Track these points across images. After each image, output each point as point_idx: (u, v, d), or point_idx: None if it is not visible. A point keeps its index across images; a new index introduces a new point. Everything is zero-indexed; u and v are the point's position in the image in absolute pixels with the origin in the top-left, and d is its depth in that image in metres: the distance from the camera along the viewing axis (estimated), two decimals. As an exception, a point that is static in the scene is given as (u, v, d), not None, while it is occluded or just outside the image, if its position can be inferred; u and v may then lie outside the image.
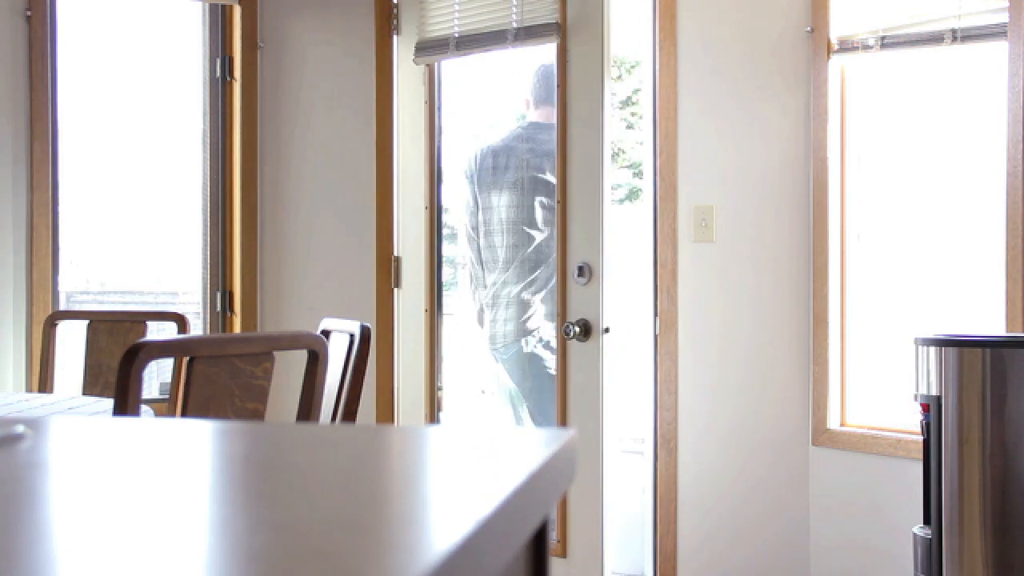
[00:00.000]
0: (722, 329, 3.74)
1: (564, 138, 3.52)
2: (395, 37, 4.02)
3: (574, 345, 3.48)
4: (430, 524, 0.73)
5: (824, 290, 3.61)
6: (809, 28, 3.62)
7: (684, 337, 3.75)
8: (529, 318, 3.97)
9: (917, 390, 2.92)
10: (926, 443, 2.90)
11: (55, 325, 3.55)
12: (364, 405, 2.74)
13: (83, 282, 4.30)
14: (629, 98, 8.83)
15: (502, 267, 4.00)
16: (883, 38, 3.50)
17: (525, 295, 3.96)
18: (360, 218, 4.05)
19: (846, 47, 3.58)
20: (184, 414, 2.08)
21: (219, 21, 4.11)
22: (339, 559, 0.63)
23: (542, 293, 3.95)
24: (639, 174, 8.11)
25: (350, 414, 2.58)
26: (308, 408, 2.28)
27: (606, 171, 3.43)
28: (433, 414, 3.99)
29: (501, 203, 3.99)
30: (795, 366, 3.67)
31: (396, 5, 4.02)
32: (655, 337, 3.79)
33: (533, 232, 3.92)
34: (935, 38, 3.39)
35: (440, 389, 4.04)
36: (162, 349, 2.17)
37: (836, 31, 3.59)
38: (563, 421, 3.52)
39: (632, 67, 8.49)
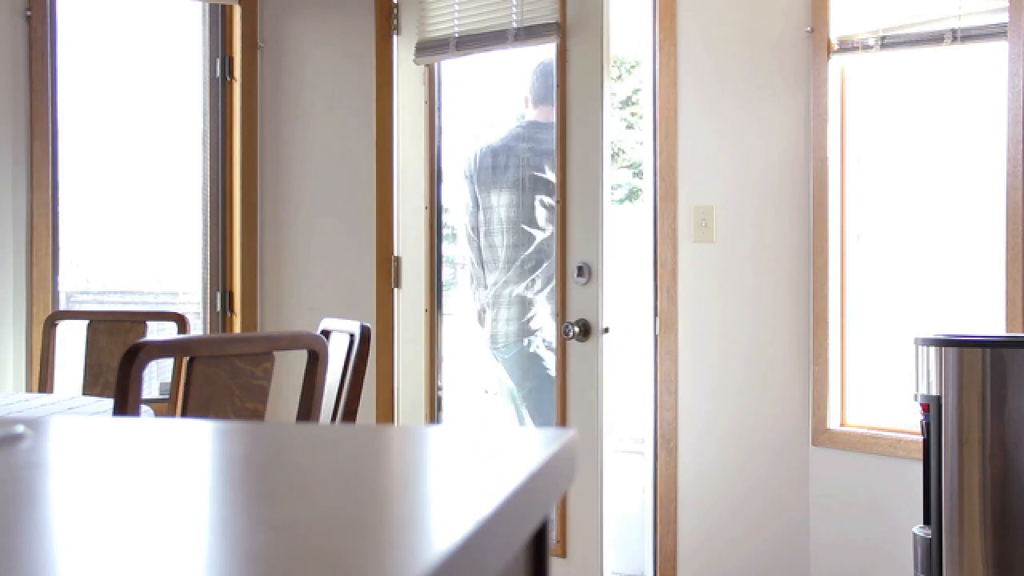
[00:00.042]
0: (722, 329, 3.74)
1: (564, 138, 3.52)
2: (395, 37, 4.02)
3: (573, 345, 3.48)
4: (430, 524, 0.73)
5: (824, 290, 3.61)
6: (809, 28, 3.62)
7: (684, 337, 3.76)
8: (530, 318, 3.97)
9: (917, 390, 2.92)
10: (926, 443, 2.90)
11: (55, 325, 3.55)
12: (364, 405, 2.74)
13: (83, 282, 4.30)
14: (629, 98, 8.83)
15: (503, 267, 4.00)
16: (883, 38, 3.50)
17: (526, 295, 3.96)
18: (360, 218, 4.05)
19: (846, 47, 3.58)
20: (184, 414, 2.08)
21: (219, 21, 4.11)
22: (339, 559, 0.63)
23: (543, 293, 3.95)
24: (639, 174, 8.11)
25: (350, 414, 2.58)
26: (308, 408, 2.28)
27: (606, 171, 3.43)
28: (433, 414, 3.99)
29: (501, 203, 3.99)
30: (795, 366, 3.67)
31: (396, 5, 4.02)
32: (655, 337, 3.79)
33: (534, 231, 3.92)
34: (935, 38, 3.39)
35: (440, 389, 4.04)
36: (162, 349, 2.17)
37: (836, 31, 3.59)
38: (562, 421, 3.52)
39: (632, 67, 8.49)
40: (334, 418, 2.57)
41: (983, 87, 3.42)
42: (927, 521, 2.91)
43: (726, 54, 3.73)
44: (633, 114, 8.75)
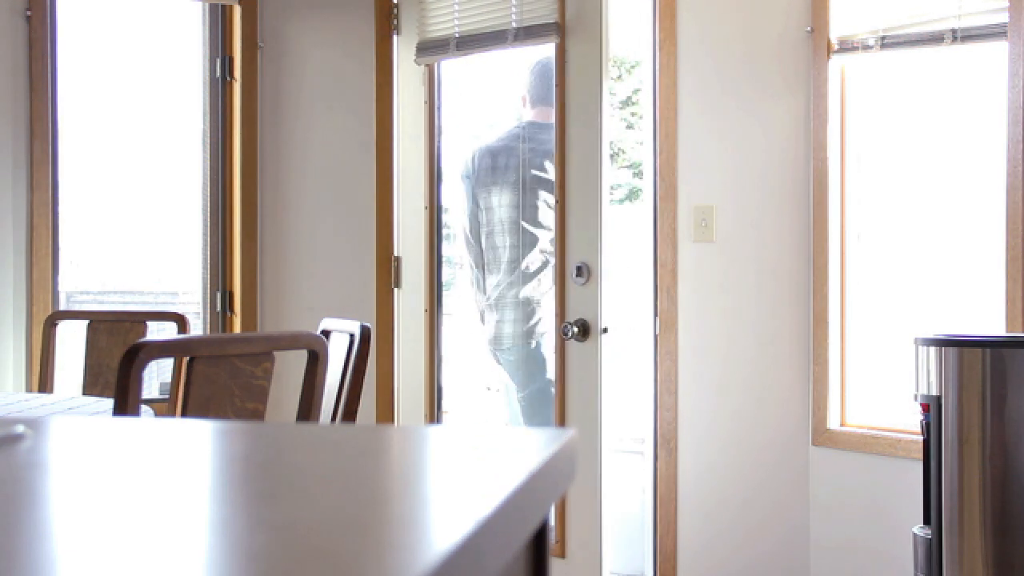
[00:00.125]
0: (722, 329, 3.74)
1: (563, 138, 3.52)
2: (395, 37, 4.02)
3: (572, 345, 3.48)
4: (430, 524, 0.73)
5: (824, 290, 3.61)
6: (809, 28, 3.62)
7: (684, 337, 3.76)
8: (532, 318, 3.97)
9: (917, 390, 2.92)
10: (926, 443, 2.90)
11: (55, 325, 3.55)
12: (364, 405, 2.74)
13: (83, 282, 4.30)
14: (629, 98, 8.83)
15: (504, 267, 4.00)
16: (883, 38, 3.50)
17: (527, 295, 3.96)
18: (360, 218, 4.05)
19: (846, 47, 3.58)
20: (184, 414, 2.08)
21: (219, 21, 4.11)
22: (339, 559, 0.63)
23: (546, 293, 3.95)
24: (639, 174, 8.11)
25: (350, 414, 2.58)
26: (308, 408, 2.28)
27: (605, 171, 3.44)
28: (433, 414, 3.99)
29: (502, 203, 3.99)
30: (795, 366, 3.67)
31: (396, 5, 4.02)
32: (655, 337, 3.79)
33: (536, 232, 3.91)
34: (935, 38, 3.39)
35: (440, 389, 4.04)
36: (162, 349, 2.17)
37: (836, 31, 3.59)
38: (561, 421, 3.52)
39: (632, 67, 8.49)
40: (334, 418, 2.57)
41: (983, 87, 3.42)
42: (927, 521, 2.92)
43: (726, 54, 3.73)
44: (633, 114, 8.75)
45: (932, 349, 2.86)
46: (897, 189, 3.63)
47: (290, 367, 2.53)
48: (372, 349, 3.16)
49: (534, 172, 3.91)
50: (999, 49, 3.28)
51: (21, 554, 0.64)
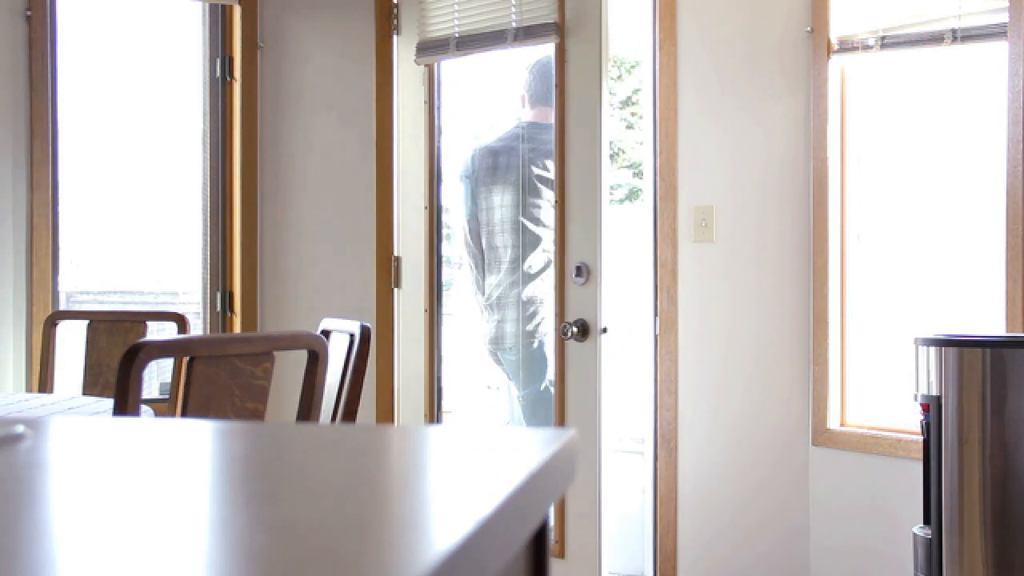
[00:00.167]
0: (722, 329, 3.74)
1: (562, 138, 3.52)
2: (395, 37, 4.02)
3: (572, 345, 3.48)
4: (430, 524, 0.73)
5: (824, 290, 3.61)
6: (809, 28, 3.62)
7: (684, 337, 3.76)
8: (534, 318, 3.97)
9: (917, 390, 2.92)
10: (926, 443, 2.90)
11: (55, 325, 3.55)
12: (364, 405, 2.74)
13: (83, 282, 4.30)
14: (629, 98, 8.83)
15: (505, 267, 4.00)
16: (883, 38, 3.50)
17: (530, 295, 3.96)
18: (360, 218, 4.05)
19: (846, 47, 3.58)
20: (184, 414, 2.08)
21: (219, 21, 4.11)
22: (339, 559, 0.63)
23: (547, 293, 3.94)
24: (639, 174, 8.11)
25: (350, 414, 2.58)
26: (308, 408, 2.28)
27: (604, 171, 3.44)
28: (433, 414, 3.99)
29: (501, 203, 3.99)
30: (795, 366, 3.67)
31: (396, 5, 4.02)
32: (655, 337, 3.79)
33: (537, 231, 3.91)
34: (935, 38, 3.39)
35: (440, 389, 4.04)
36: (162, 349, 2.17)
37: (836, 31, 3.59)
38: (561, 421, 3.52)
39: (632, 67, 8.49)
40: (334, 418, 2.57)
41: (983, 87, 3.42)
42: (927, 521, 2.92)
43: (726, 54, 3.73)
44: (633, 114, 8.75)
45: (932, 349, 2.86)
46: (897, 189, 3.63)
47: (290, 367, 2.53)
48: (372, 349, 3.16)
49: (535, 171, 3.91)
50: (999, 49, 3.28)
51: (21, 554, 0.64)
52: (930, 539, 2.88)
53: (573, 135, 3.49)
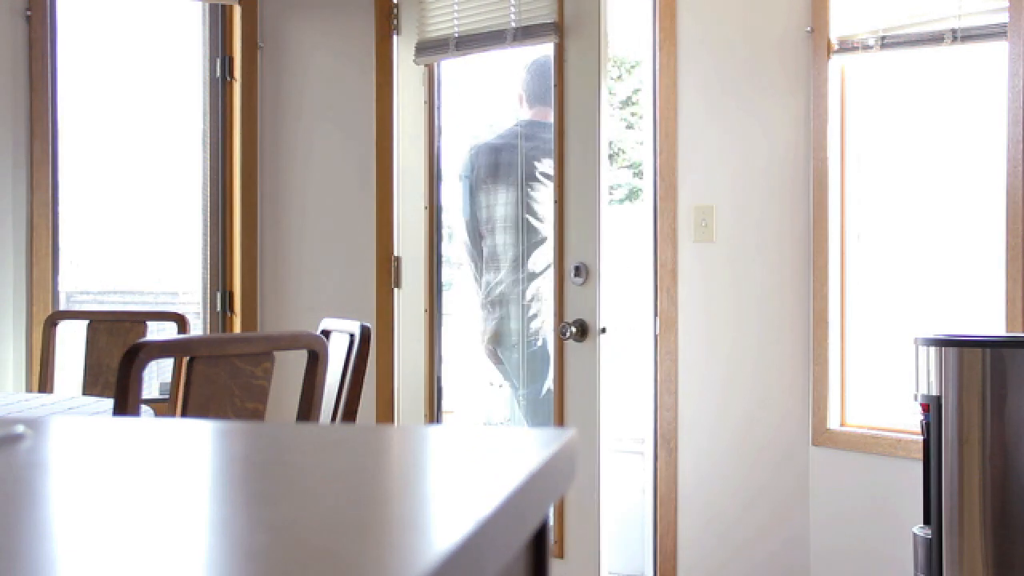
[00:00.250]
0: (722, 329, 3.74)
1: (561, 138, 3.52)
2: (395, 37, 4.02)
3: (571, 345, 3.48)
4: (430, 524, 0.73)
5: (824, 290, 3.61)
6: (809, 28, 3.62)
7: (684, 337, 3.76)
8: (538, 316, 3.97)
9: (917, 390, 2.92)
10: (926, 443, 2.90)
11: (55, 325, 3.55)
12: (364, 405, 2.74)
13: (83, 282, 4.30)
14: (629, 98, 8.83)
15: (506, 266, 4.00)
16: (883, 38, 3.50)
17: (533, 293, 3.95)
18: (360, 218, 4.05)
19: (846, 47, 3.58)
20: (184, 414, 2.08)
21: (219, 21, 4.10)
22: (339, 559, 0.63)
23: (547, 291, 3.94)
24: (639, 174, 8.11)
25: (350, 414, 2.58)
26: (308, 408, 2.28)
27: (603, 171, 3.44)
28: (433, 414, 3.99)
29: (501, 201, 3.99)
30: (795, 366, 3.67)
31: (396, 5, 4.02)
32: (655, 337, 3.79)
33: (538, 229, 3.91)
34: (935, 38, 3.39)
35: (440, 389, 4.04)
36: (162, 349, 2.17)
37: (836, 31, 3.59)
38: (560, 421, 3.52)
39: (632, 67, 8.49)
40: (334, 418, 2.57)
41: (983, 87, 3.42)
42: (927, 521, 2.92)
43: (726, 54, 3.73)
44: (633, 114, 8.75)
45: (932, 349, 2.86)
46: (897, 189, 3.63)
47: (290, 367, 2.53)
48: (372, 349, 3.16)
49: (536, 169, 3.90)
50: (999, 49, 3.28)
51: (21, 554, 0.64)
52: (930, 539, 2.88)
53: (572, 135, 3.49)
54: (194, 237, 4.15)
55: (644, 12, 3.82)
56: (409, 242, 4.01)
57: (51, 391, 3.50)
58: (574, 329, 3.45)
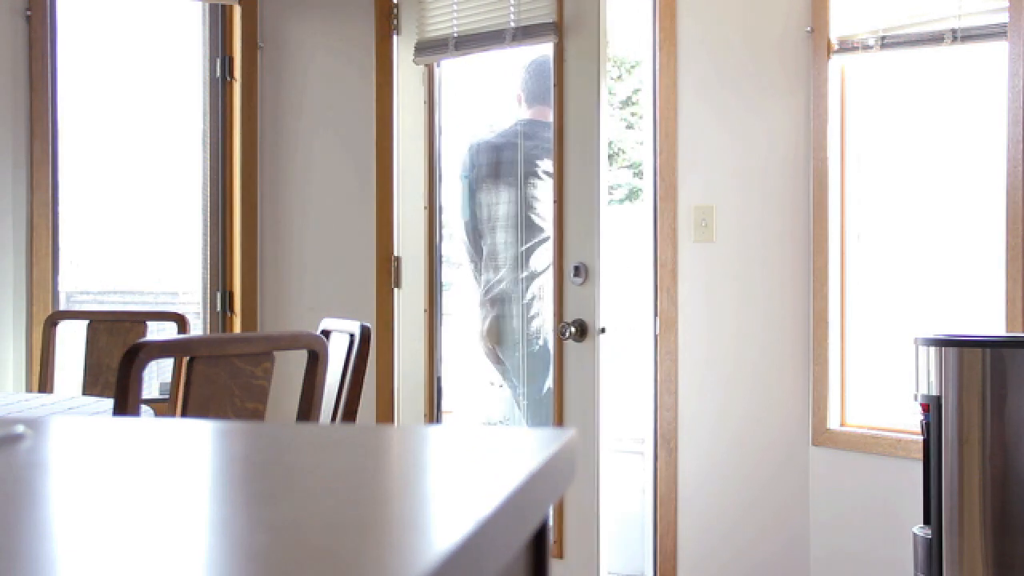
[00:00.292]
0: (722, 329, 3.74)
1: (561, 137, 3.52)
2: (395, 37, 4.03)
3: (570, 345, 3.48)
4: (430, 524, 0.73)
5: (824, 290, 3.61)
6: (809, 28, 3.62)
7: (684, 337, 3.76)
8: (539, 316, 3.97)
9: (917, 390, 2.92)
10: (926, 443, 2.90)
11: (55, 325, 3.55)
12: (364, 405, 2.74)
13: (83, 282, 4.30)
14: (629, 98, 8.83)
15: (507, 265, 4.00)
16: (883, 38, 3.50)
17: (535, 292, 3.96)
18: (360, 218, 4.05)
19: (846, 47, 3.58)
20: (184, 414, 2.08)
21: (219, 21, 4.11)
22: (339, 559, 0.63)
23: (545, 291, 3.94)
24: (639, 174, 8.11)
25: (350, 414, 2.58)
26: (308, 408, 2.28)
27: (603, 171, 3.43)
28: (433, 414, 3.99)
29: (502, 199, 3.99)
30: (795, 366, 3.67)
31: (396, 5, 4.02)
32: (655, 337, 3.79)
33: (535, 231, 3.91)
34: (935, 38, 3.39)
35: (440, 389, 4.04)
36: (162, 349, 2.17)
37: (836, 31, 3.59)
38: (559, 421, 3.52)
39: (632, 67, 8.49)
40: (334, 418, 2.57)
41: (983, 87, 3.42)
42: (927, 521, 2.92)
43: (726, 54, 3.73)
44: (633, 114, 8.75)
45: (932, 349, 2.86)
46: (897, 189, 3.63)
47: (290, 367, 2.53)
48: (372, 349, 3.16)
49: (537, 167, 3.90)
50: (999, 49, 3.28)
51: (21, 554, 0.64)
52: (930, 539, 2.88)
53: (571, 135, 3.49)
54: (194, 237, 4.15)
55: (644, 12, 3.82)
56: (409, 242, 4.01)
57: (51, 391, 3.50)
58: (573, 329, 3.45)
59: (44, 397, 2.91)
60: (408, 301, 4.01)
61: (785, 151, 3.67)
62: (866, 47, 3.53)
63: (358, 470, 0.96)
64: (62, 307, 3.94)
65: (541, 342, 3.96)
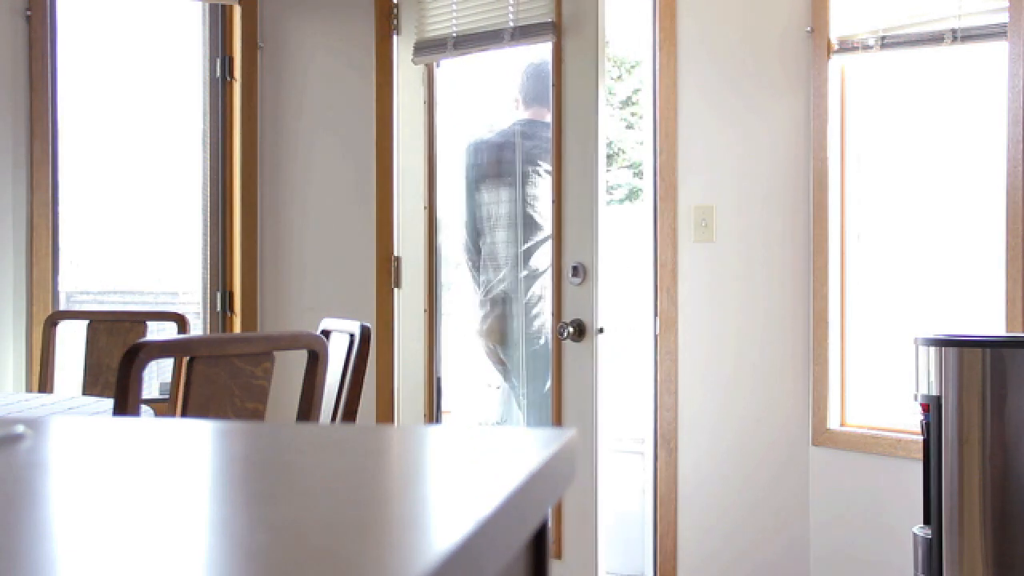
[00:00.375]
0: (722, 329, 3.74)
1: (559, 137, 3.52)
2: (395, 37, 4.03)
3: (568, 345, 3.48)
4: (430, 524, 0.73)
5: (824, 290, 3.61)
6: (809, 28, 3.62)
7: (684, 337, 3.76)
8: (537, 316, 3.97)
9: (917, 390, 2.92)
10: (926, 443, 2.90)
11: (55, 325, 3.55)
12: (364, 405, 2.74)
13: (83, 282, 4.30)
14: (629, 98, 8.83)
15: (508, 265, 4.00)
16: (883, 38, 3.50)
17: (537, 292, 3.95)
18: (360, 218, 4.05)
19: (846, 47, 3.58)
20: (184, 414, 2.08)
21: (219, 21, 4.11)
22: (339, 559, 0.63)
23: (546, 291, 3.94)
24: (639, 174, 8.11)
25: (350, 414, 2.58)
26: (308, 408, 2.28)
27: (601, 171, 3.43)
28: (433, 414, 3.99)
29: (500, 199, 3.99)
30: (795, 366, 3.67)
31: (396, 5, 4.02)
32: (655, 337, 3.79)
33: (537, 228, 3.91)
34: (935, 38, 3.39)
35: (440, 389, 4.04)
36: (162, 349, 2.17)
37: (836, 31, 3.59)
38: (558, 421, 3.52)
39: (632, 67, 8.49)
40: (334, 418, 2.57)
41: (983, 87, 3.42)
42: (927, 521, 2.92)
43: (726, 54, 3.74)
44: (633, 114, 8.75)
45: (932, 349, 2.86)
46: (897, 189, 3.63)
47: (290, 367, 2.54)
48: (372, 349, 3.16)
49: (538, 166, 3.90)
50: (999, 49, 3.28)
51: (21, 554, 0.64)
52: (930, 539, 2.88)
53: (570, 135, 3.49)
54: (194, 237, 4.15)
55: (644, 12, 3.82)
56: (409, 242, 4.01)
57: (51, 391, 3.50)
58: (571, 329, 3.45)
59: (44, 397, 2.91)
60: (408, 301, 4.01)
61: (785, 151, 3.67)
62: (866, 47, 3.53)
63: (358, 470, 0.96)
64: (62, 307, 3.94)
65: (542, 342, 3.96)
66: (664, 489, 3.78)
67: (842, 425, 3.63)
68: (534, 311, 3.97)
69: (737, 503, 3.73)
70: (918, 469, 3.04)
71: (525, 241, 3.93)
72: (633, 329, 4.03)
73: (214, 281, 4.11)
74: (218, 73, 4.10)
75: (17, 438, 1.02)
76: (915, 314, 3.54)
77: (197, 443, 1.11)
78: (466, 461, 0.99)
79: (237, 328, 4.03)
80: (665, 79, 3.75)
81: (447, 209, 4.15)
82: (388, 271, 4.03)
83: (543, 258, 3.90)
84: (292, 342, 2.39)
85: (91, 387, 3.57)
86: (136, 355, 1.98)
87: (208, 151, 4.12)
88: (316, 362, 2.28)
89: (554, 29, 3.51)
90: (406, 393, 4.02)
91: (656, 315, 3.79)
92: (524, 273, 3.94)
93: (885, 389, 3.59)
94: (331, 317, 2.81)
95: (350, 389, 2.58)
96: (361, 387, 2.61)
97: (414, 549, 0.65)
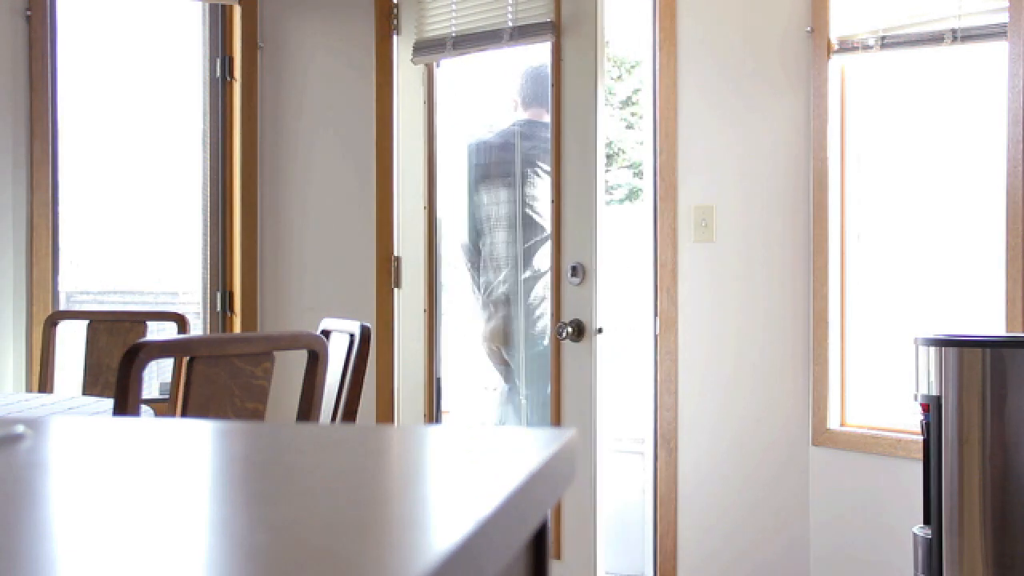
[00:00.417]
0: (722, 329, 3.74)
1: (558, 137, 3.52)
2: (395, 37, 4.03)
3: (567, 346, 3.48)
4: (430, 524, 0.73)
5: (824, 290, 3.61)
6: (809, 28, 3.62)
7: (684, 337, 3.76)
8: (537, 318, 3.97)
9: (917, 390, 2.92)
10: (926, 443, 2.90)
11: (55, 325, 3.55)
12: (364, 405, 2.74)
13: (83, 282, 4.30)
14: (629, 98, 8.83)
15: (505, 265, 4.00)
16: (883, 38, 3.50)
17: (538, 293, 3.95)
18: (360, 218, 4.05)
19: (846, 47, 3.58)
20: (184, 414, 2.08)
21: (219, 21, 4.10)
22: (339, 559, 0.63)
23: (542, 292, 3.94)
24: (639, 174, 8.11)
25: (350, 414, 2.58)
26: (308, 408, 2.28)
27: (600, 171, 3.43)
28: (433, 414, 3.99)
29: (500, 199, 3.99)
30: (795, 366, 3.67)
31: (396, 5, 4.02)
32: (655, 337, 3.79)
33: (539, 228, 3.91)
34: (935, 38, 3.39)
35: (440, 389, 4.04)
36: (162, 349, 2.17)
37: (836, 31, 3.59)
38: (557, 421, 3.52)
39: (632, 67, 8.49)
40: (334, 418, 2.57)
41: (983, 87, 3.42)
42: (927, 521, 2.92)
43: (726, 54, 3.74)
44: (633, 114, 8.75)
45: (932, 349, 2.86)
46: (897, 189, 3.63)
47: (290, 367, 2.54)
48: (372, 349, 3.16)
49: (536, 168, 3.90)
50: (999, 49, 3.28)
51: (21, 554, 0.64)
52: (930, 539, 2.88)
53: (569, 135, 3.49)
54: (194, 237, 4.15)
55: (644, 12, 3.82)
56: (409, 242, 4.01)
57: (51, 391, 3.50)
58: (570, 329, 3.45)
59: (44, 397, 2.91)
60: (408, 301, 4.01)
61: (785, 151, 3.67)
62: (866, 47, 3.53)
63: (358, 470, 0.96)
64: (62, 307, 3.94)
65: (545, 343, 3.96)
66: (664, 489, 3.78)
67: (842, 425, 3.63)
68: (536, 313, 3.97)
69: (737, 503, 3.73)
70: (918, 469, 3.04)
71: (525, 241, 3.93)
72: (633, 329, 4.03)
73: (214, 281, 4.11)
74: (218, 73, 4.10)
75: (17, 438, 1.02)
76: (915, 314, 3.54)
77: (197, 443, 1.11)
78: (466, 461, 0.99)
79: (237, 328, 4.03)
80: (665, 79, 3.75)
81: (447, 209, 4.15)
82: (388, 271, 4.03)
83: (544, 259, 3.90)
84: (292, 342, 2.39)
85: (91, 387, 3.57)
86: (136, 355, 1.98)
87: (208, 151, 4.12)
88: (316, 362, 2.28)
89: (553, 29, 3.51)
90: (406, 393, 4.02)
91: (656, 315, 3.79)
92: (526, 275, 3.94)
93: (885, 389, 3.59)
94: (331, 317, 2.81)
95: (350, 389, 2.58)
96: (361, 387, 2.61)
97: (414, 549, 0.65)
